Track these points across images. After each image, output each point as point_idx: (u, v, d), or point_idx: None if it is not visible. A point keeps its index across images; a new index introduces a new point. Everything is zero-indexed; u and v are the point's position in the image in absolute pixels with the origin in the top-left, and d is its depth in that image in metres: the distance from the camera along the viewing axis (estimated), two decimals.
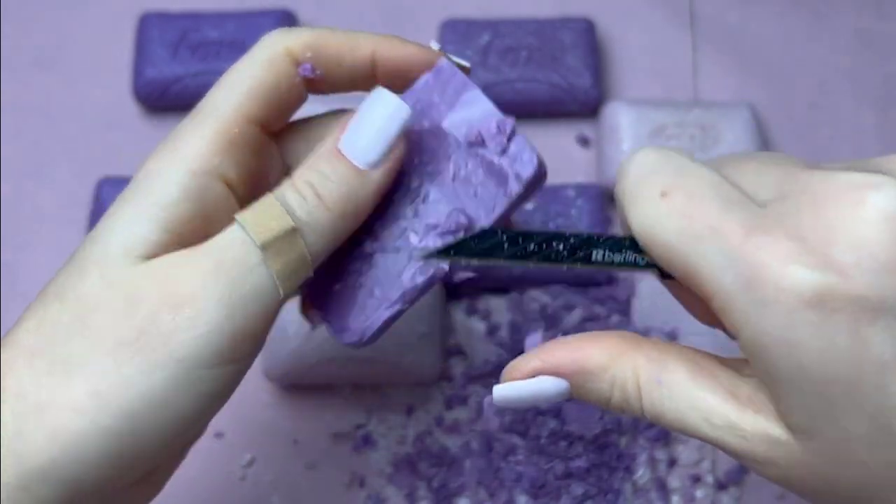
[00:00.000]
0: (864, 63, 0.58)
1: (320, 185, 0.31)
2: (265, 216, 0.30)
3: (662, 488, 0.48)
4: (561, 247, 0.28)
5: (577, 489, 0.48)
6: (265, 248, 0.30)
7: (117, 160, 0.55)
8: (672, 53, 0.57)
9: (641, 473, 0.48)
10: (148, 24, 0.56)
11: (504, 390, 0.30)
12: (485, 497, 0.48)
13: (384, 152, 0.31)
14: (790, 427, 0.26)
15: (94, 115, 0.57)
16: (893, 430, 0.25)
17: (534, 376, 0.30)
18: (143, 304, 0.29)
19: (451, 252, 0.29)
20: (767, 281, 0.25)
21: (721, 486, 0.49)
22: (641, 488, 0.48)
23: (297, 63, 0.33)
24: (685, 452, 0.49)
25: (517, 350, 0.50)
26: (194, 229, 0.31)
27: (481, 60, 0.55)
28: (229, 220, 0.31)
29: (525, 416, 0.49)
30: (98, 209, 0.52)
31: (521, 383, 0.30)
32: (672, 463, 0.49)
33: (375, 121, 0.31)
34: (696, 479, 0.49)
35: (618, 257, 0.29)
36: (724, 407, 0.27)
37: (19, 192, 0.55)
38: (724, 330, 0.28)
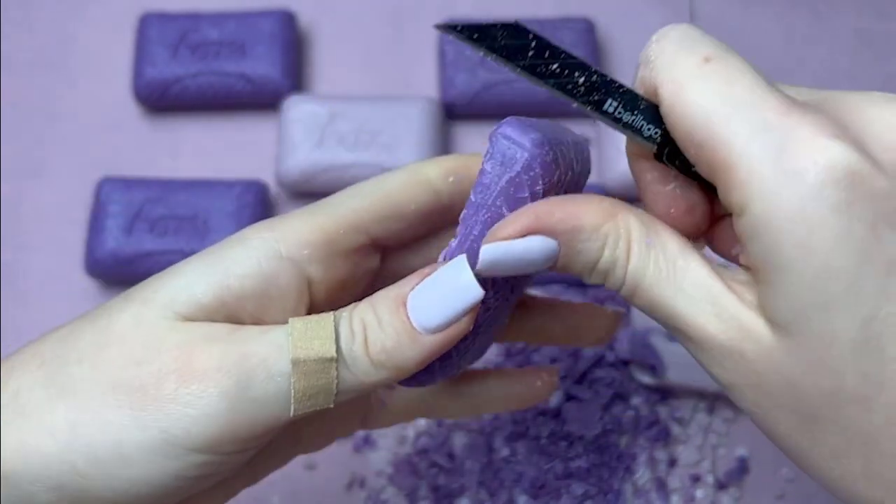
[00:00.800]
0: (864, 63, 0.58)
1: (371, 330, 0.29)
2: (313, 333, 0.29)
3: (662, 488, 0.48)
4: (582, 79, 0.27)
5: (577, 489, 0.48)
6: (296, 363, 0.28)
7: (117, 160, 0.55)
8: None
9: (641, 473, 0.48)
10: (148, 24, 0.56)
11: (491, 251, 0.28)
12: (485, 497, 0.48)
13: (444, 325, 0.29)
14: (772, 322, 0.25)
15: (94, 115, 0.57)
16: (881, 341, 0.24)
17: (523, 236, 0.28)
18: (156, 361, 0.28)
19: (474, 35, 0.26)
20: (801, 152, 0.24)
21: (721, 486, 0.49)
22: (641, 488, 0.48)
23: (435, 189, 0.33)
24: (685, 452, 0.49)
25: (517, 350, 0.50)
26: (250, 310, 0.30)
27: (481, 60, 0.55)
28: (286, 316, 0.30)
29: (525, 417, 0.49)
30: (98, 209, 0.52)
31: (509, 244, 0.28)
32: (672, 463, 0.49)
33: (447, 291, 0.29)
34: (696, 479, 0.49)
35: (627, 116, 0.27)
36: (708, 280, 0.27)
37: (19, 192, 0.55)
38: (713, 237, 0.29)
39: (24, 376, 0.29)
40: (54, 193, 0.55)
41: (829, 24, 0.58)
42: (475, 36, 0.26)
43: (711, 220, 0.30)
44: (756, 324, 0.26)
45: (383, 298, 0.30)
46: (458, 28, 0.26)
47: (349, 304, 0.30)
